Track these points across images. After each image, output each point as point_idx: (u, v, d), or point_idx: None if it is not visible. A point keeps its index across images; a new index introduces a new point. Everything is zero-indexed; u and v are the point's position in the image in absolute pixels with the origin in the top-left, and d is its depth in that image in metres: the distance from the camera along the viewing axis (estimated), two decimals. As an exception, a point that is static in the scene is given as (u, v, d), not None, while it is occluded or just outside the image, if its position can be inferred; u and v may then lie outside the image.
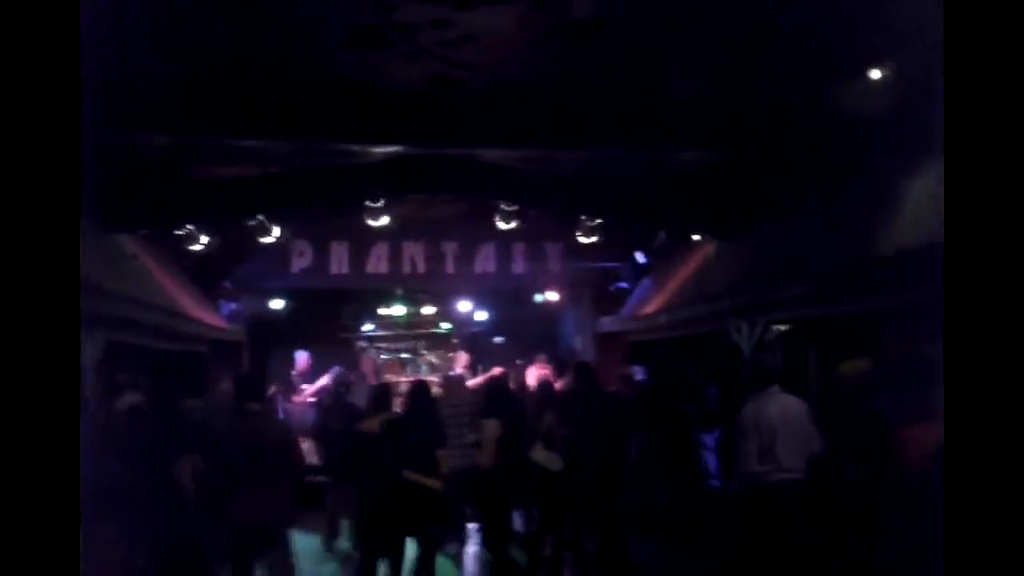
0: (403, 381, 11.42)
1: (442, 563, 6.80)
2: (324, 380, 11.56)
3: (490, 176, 8.47)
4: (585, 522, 7.51)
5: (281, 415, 10.86)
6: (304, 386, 11.76)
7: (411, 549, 6.06)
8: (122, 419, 6.44)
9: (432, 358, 14.32)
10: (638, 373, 10.60)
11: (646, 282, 12.08)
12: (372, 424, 6.23)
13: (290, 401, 11.63)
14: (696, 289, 9.87)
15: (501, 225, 9.99)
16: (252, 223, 9.50)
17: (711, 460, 9.01)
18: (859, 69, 5.77)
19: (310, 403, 11.42)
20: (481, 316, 14.31)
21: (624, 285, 12.71)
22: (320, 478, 8.72)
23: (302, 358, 12.04)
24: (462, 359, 12.73)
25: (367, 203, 9.06)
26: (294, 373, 11.89)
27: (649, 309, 11.16)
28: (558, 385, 9.35)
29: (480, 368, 12.17)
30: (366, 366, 12.90)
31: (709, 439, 8.99)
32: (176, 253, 10.03)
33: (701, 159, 8.25)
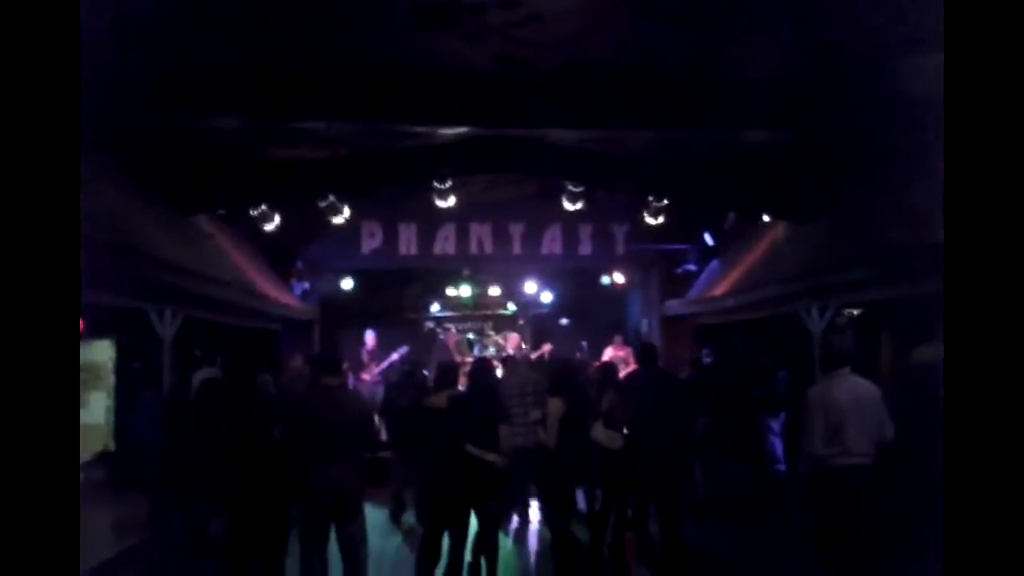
0: (469, 360, 11.54)
1: (504, 540, 6.89)
2: (393, 358, 11.79)
3: (556, 157, 8.47)
4: (649, 504, 7.49)
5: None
6: (372, 364, 12.01)
7: (474, 524, 6.15)
8: (196, 392, 6.68)
9: (499, 339, 14.43)
10: (706, 356, 10.51)
11: (714, 264, 11.93)
12: (438, 400, 6.32)
13: (359, 379, 11.88)
14: (766, 271, 9.71)
15: (568, 206, 10.00)
16: (322, 204, 9.73)
17: (778, 444, 8.90)
18: (933, 46, 5.57)
19: (378, 380, 11.66)
20: (547, 297, 14.35)
21: (692, 267, 12.57)
22: (387, 453, 8.91)
23: (371, 337, 12.29)
24: (513, 340, 12.83)
25: (434, 184, 9.17)
26: (363, 351, 12.13)
27: (717, 291, 11.02)
28: (632, 366, 9.33)
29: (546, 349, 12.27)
30: (449, 341, 13.01)
31: (775, 424, 8.88)
32: (250, 233, 10.32)
33: (771, 139, 8.09)
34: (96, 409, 13.14)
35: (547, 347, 12.54)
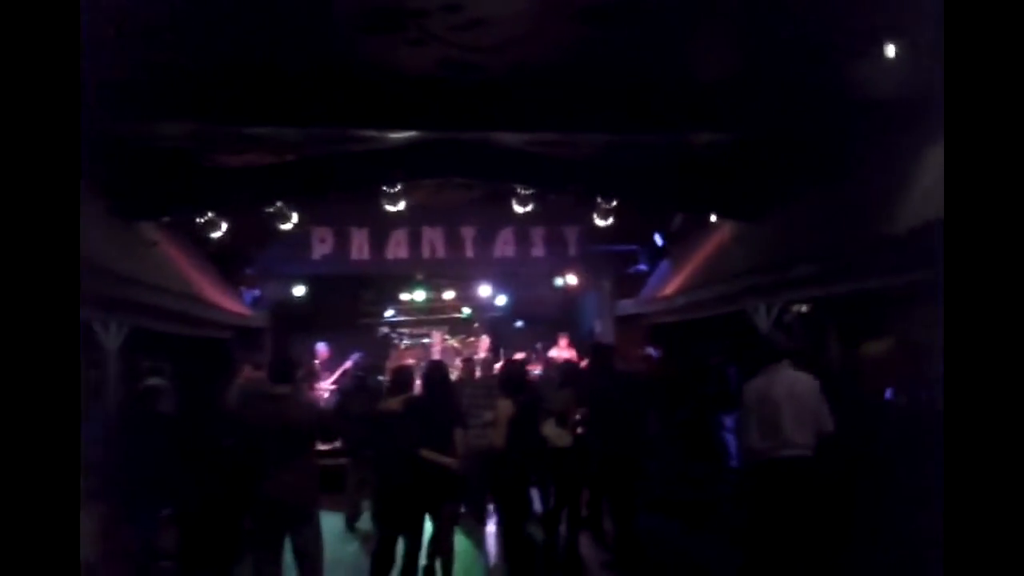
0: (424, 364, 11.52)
1: (461, 541, 6.88)
2: (346, 365, 11.71)
3: (505, 160, 8.50)
4: (602, 501, 7.57)
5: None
6: (326, 373, 11.92)
7: (429, 527, 6.16)
8: (142, 401, 6.57)
9: (454, 342, 14.41)
10: (656, 354, 10.64)
11: (664, 264, 12.09)
12: (392, 405, 6.32)
13: (312, 388, 11.78)
14: (714, 270, 9.87)
15: (518, 209, 10.05)
16: (270, 210, 9.64)
17: (731, 440, 9.04)
18: (874, 46, 5.73)
19: (332, 388, 11.58)
20: (501, 300, 14.38)
21: (643, 267, 12.73)
22: (341, 459, 8.84)
23: (322, 348, 12.19)
24: (484, 343, 12.82)
25: (384, 188, 9.15)
26: (316, 362, 12.03)
27: (668, 291, 11.17)
28: (582, 365, 9.42)
29: (503, 352, 12.25)
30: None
31: (729, 420, 9.02)
32: (197, 241, 10.19)
33: (717, 140, 8.23)
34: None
35: (520, 355, 12.37)
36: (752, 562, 5.55)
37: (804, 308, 9.49)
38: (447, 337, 14.60)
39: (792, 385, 5.20)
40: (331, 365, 12.02)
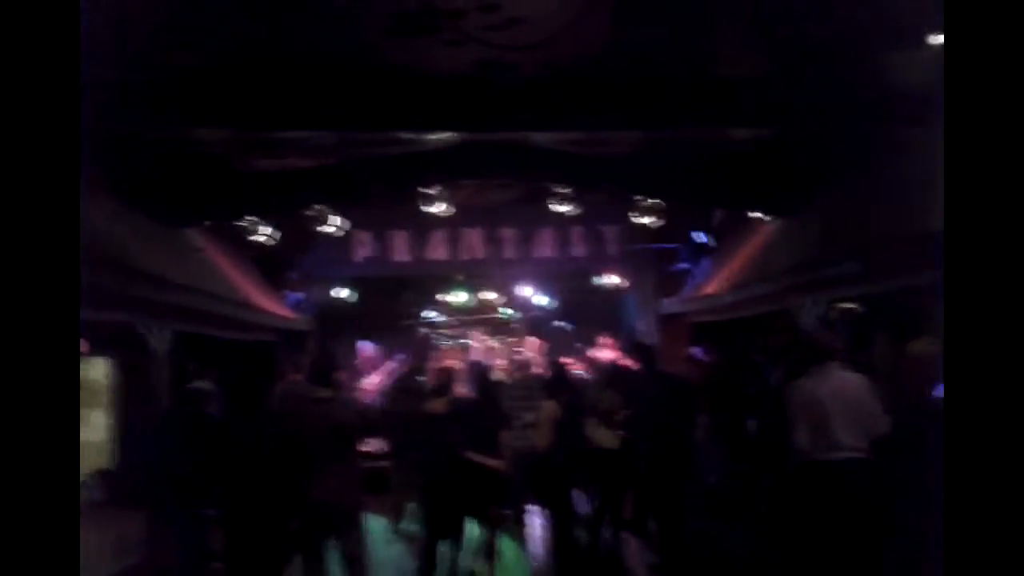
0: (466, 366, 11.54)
1: (506, 543, 6.88)
2: (391, 366, 11.78)
3: (543, 160, 8.46)
4: (646, 503, 7.50)
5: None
6: (369, 374, 11.99)
7: (475, 529, 6.15)
8: (188, 404, 6.66)
9: (494, 343, 14.41)
10: (700, 354, 10.51)
11: (707, 262, 11.95)
12: (437, 406, 6.33)
13: (357, 389, 11.87)
14: (758, 267, 9.72)
15: (557, 208, 10.00)
16: (311, 213, 9.73)
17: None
18: (918, 38, 5.59)
19: (376, 389, 11.64)
20: (541, 300, 14.34)
21: (685, 265, 12.59)
22: (385, 462, 8.89)
23: (365, 348, 12.25)
24: (533, 344, 12.78)
25: (422, 190, 9.17)
26: (357, 362, 12.11)
27: (711, 289, 11.03)
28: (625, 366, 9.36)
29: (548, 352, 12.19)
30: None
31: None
32: (241, 245, 10.32)
33: (757, 135, 8.10)
34: (95, 427, 13.12)
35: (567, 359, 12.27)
36: (796, 565, 5.43)
37: (850, 306, 9.31)
38: (487, 338, 14.62)
39: (841, 386, 5.08)
40: (375, 365, 12.09)
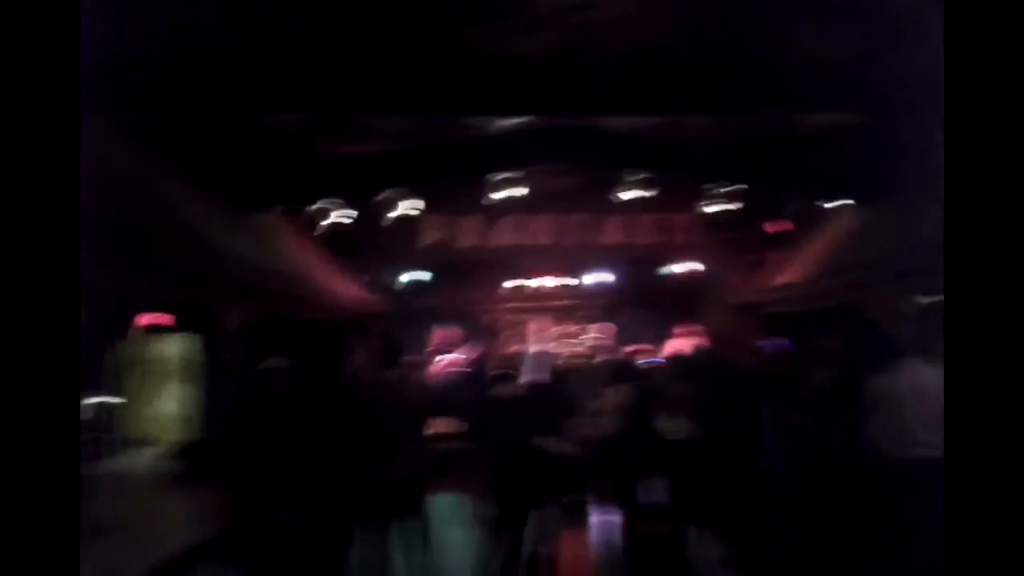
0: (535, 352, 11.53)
1: (570, 532, 6.85)
2: (465, 350, 11.85)
3: (615, 145, 8.39)
4: (717, 494, 7.37)
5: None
6: (443, 357, 12.07)
7: (539, 517, 6.13)
8: (262, 382, 6.81)
9: (564, 329, 14.39)
10: (771, 345, 10.28)
11: (782, 252, 11.67)
12: (504, 391, 6.34)
13: (431, 372, 11.97)
14: (835, 258, 9.45)
15: (628, 195, 9.90)
16: (384, 197, 9.83)
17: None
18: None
19: (448, 373, 11.72)
20: (612, 287, 14.24)
21: (760, 254, 12.33)
22: (454, 444, 8.94)
23: (439, 332, 12.34)
24: (605, 330, 12.67)
25: (492, 176, 9.17)
26: (433, 345, 12.21)
27: (785, 279, 10.78)
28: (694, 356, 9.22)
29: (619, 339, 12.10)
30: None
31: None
32: (312, 228, 10.48)
33: (838, 121, 7.85)
34: (170, 401, 13.59)
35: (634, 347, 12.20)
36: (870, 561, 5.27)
37: (927, 300, 8.97)
38: (557, 324, 14.59)
39: (920, 381, 4.89)
40: (450, 349, 12.17)
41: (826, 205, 9.76)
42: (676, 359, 7.72)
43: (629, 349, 9.04)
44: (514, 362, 6.70)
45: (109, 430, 12.74)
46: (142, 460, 11.24)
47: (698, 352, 9.02)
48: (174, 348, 13.66)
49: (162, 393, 13.81)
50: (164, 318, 12.05)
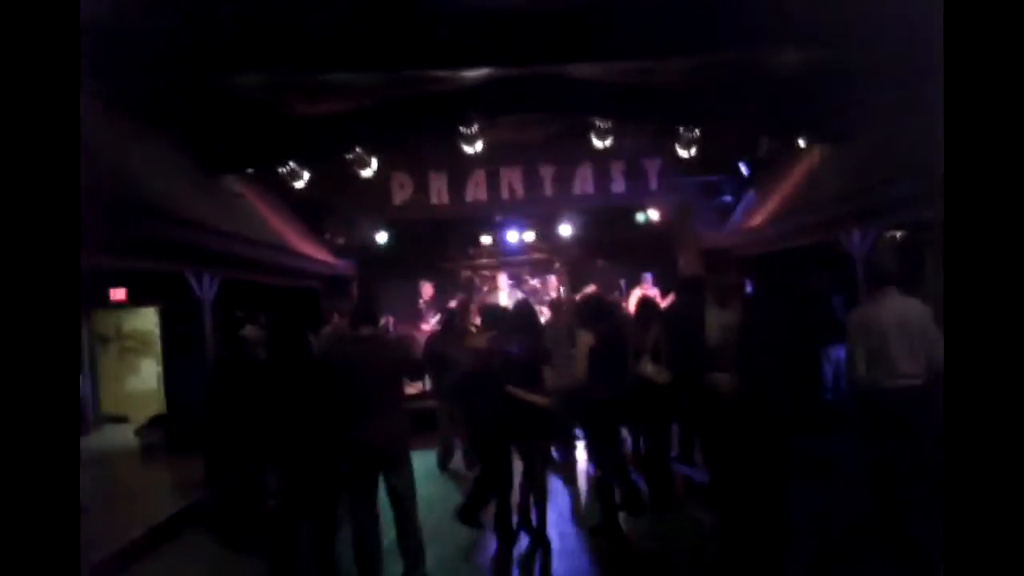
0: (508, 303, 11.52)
1: (554, 479, 6.91)
2: (451, 305, 11.81)
3: (584, 93, 8.28)
4: (695, 439, 7.46)
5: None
6: (430, 313, 12.04)
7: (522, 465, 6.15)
8: (235, 350, 6.73)
9: (535, 283, 14.38)
10: (748, 286, 10.31)
11: (751, 194, 11.69)
12: (478, 341, 6.30)
13: (418, 329, 11.94)
14: (804, 197, 9.49)
15: (597, 143, 9.82)
16: (350, 157, 9.67)
17: (828, 371, 8.73)
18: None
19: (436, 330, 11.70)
20: (582, 238, 14.21)
21: (728, 199, 12.35)
22: (432, 402, 8.96)
23: (427, 288, 12.28)
24: (552, 282, 12.73)
25: (461, 130, 9.04)
26: (420, 302, 12.15)
27: (756, 221, 10.82)
28: (663, 303, 9.24)
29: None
30: (496, 285, 12.86)
31: (837, 351, 8.62)
32: (281, 191, 10.32)
33: (803, 60, 7.79)
34: (147, 375, 13.49)
35: (591, 288, 12.37)
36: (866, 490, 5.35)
37: (898, 234, 9.06)
38: (528, 278, 14.59)
39: (901, 312, 4.94)
40: (435, 305, 12.13)
41: (796, 145, 9.75)
42: (641, 303, 7.68)
43: (594, 292, 9.02)
44: (492, 312, 6.68)
45: (84, 406, 12.55)
46: (117, 435, 11.17)
47: (673, 298, 9.05)
48: (144, 322, 13.50)
49: (139, 368, 13.67)
50: (132, 291, 11.86)
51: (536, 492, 6.09)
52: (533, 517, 5.97)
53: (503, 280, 13.56)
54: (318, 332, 8.72)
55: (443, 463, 8.61)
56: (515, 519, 6.04)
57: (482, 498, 6.02)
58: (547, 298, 11.41)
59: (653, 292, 11.50)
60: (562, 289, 12.67)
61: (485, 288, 14.39)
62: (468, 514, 6.06)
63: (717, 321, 4.65)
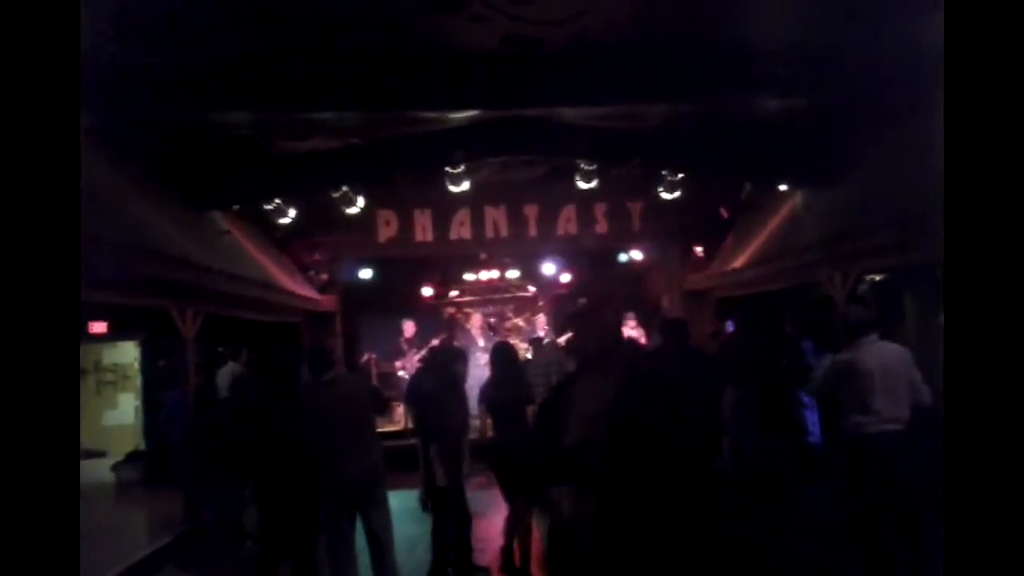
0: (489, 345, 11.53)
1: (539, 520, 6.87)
2: (433, 344, 11.77)
3: (568, 135, 8.39)
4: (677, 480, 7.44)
5: (375, 380, 11.10)
6: (411, 352, 12.00)
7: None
8: (224, 389, 6.71)
9: (519, 321, 14.40)
10: (729, 328, 10.41)
11: (733, 237, 11.83)
12: (458, 383, 6.31)
13: (397, 368, 11.88)
14: (785, 241, 9.61)
15: (581, 185, 9.93)
16: (336, 194, 9.73)
17: (809, 416, 8.78)
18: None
19: (416, 368, 11.64)
20: (565, 278, 14.29)
21: (711, 241, 12.49)
22: (413, 439, 8.90)
23: (409, 326, 12.28)
24: (541, 321, 12.77)
25: (447, 169, 9.13)
26: (401, 340, 12.15)
27: (737, 264, 10.93)
28: (643, 342, 9.29)
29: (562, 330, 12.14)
30: (475, 324, 12.85)
31: (805, 396, 8.73)
32: (266, 227, 10.34)
33: (785, 107, 7.96)
34: (125, 409, 13.34)
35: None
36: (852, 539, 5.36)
37: (878, 278, 9.18)
38: (511, 316, 14.62)
39: (884, 358, 5.00)
40: (416, 343, 12.10)
41: (778, 189, 9.92)
42: (633, 345, 7.72)
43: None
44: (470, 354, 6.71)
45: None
46: (94, 471, 11.02)
47: (655, 339, 9.10)
48: (124, 356, 13.37)
49: (116, 402, 13.50)
50: (112, 323, 11.77)
51: (520, 534, 6.07)
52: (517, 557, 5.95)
53: (476, 319, 13.51)
54: (297, 370, 8.67)
55: (425, 503, 8.54)
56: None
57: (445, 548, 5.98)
58: (534, 336, 11.43)
59: (637, 332, 11.56)
60: (542, 329, 12.70)
61: (466, 326, 14.40)
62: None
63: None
